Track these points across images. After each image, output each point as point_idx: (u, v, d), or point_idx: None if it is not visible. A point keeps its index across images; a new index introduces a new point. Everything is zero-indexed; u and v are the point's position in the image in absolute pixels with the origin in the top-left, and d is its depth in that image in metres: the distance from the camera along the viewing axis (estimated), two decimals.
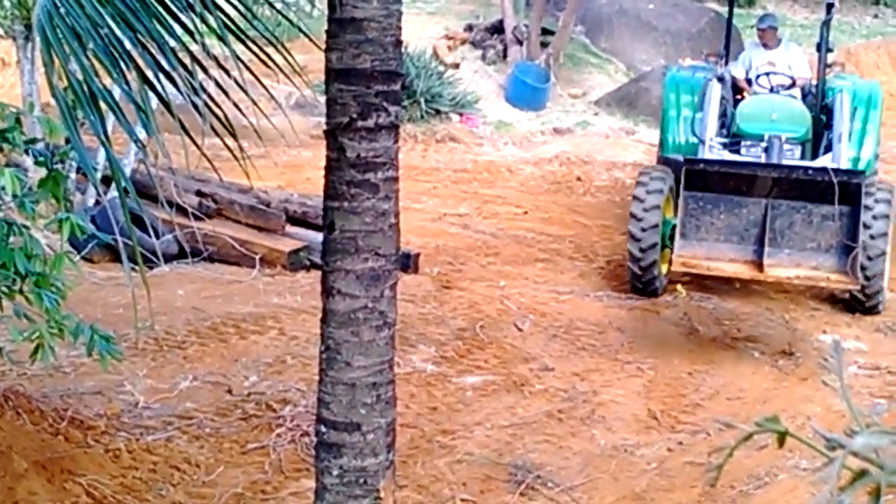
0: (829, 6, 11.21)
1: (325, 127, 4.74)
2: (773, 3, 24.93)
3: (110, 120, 4.39)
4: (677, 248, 9.55)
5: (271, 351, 8.87)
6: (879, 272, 9.86)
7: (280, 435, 7.44)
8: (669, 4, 21.60)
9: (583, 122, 18.39)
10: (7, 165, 5.44)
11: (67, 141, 6.23)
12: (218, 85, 4.36)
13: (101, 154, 9.51)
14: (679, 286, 10.42)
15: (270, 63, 4.53)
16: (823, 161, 10.20)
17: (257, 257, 10.94)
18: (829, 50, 11.33)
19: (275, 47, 4.51)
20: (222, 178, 6.03)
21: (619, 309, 10.34)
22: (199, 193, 11.43)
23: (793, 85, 10.85)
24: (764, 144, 10.23)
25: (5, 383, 7.40)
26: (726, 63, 11.51)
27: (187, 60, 4.07)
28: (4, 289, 5.40)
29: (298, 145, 14.37)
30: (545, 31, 19.76)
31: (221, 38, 4.08)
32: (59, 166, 5.53)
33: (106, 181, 10.57)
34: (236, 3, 4.47)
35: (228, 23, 4.27)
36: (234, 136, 4.29)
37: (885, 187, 10.05)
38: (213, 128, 4.11)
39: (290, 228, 11.56)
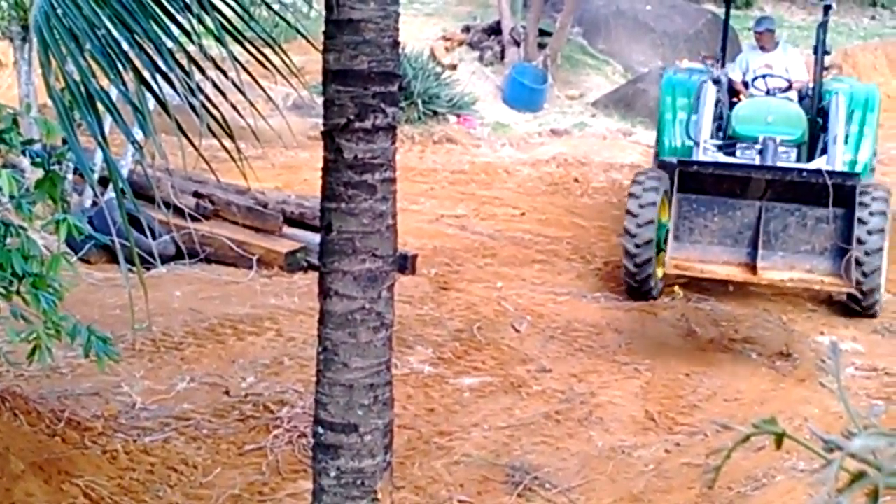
0: (826, 8, 11.15)
1: (322, 128, 4.74)
2: (770, 4, 24.95)
3: (107, 121, 4.39)
4: (671, 250, 9.50)
5: (269, 352, 8.86)
6: (876, 285, 9.83)
7: (277, 436, 7.44)
8: (667, 6, 21.60)
9: (580, 123, 18.40)
10: (4, 166, 5.43)
11: (64, 142, 6.23)
12: (215, 86, 4.35)
13: (99, 155, 9.53)
14: (676, 287, 10.42)
15: (268, 64, 4.53)
16: (818, 163, 10.17)
17: (254, 258, 10.94)
18: (827, 52, 11.30)
19: (272, 48, 4.51)
20: (219, 179, 6.04)
21: (617, 310, 10.34)
22: (196, 194, 11.42)
23: (789, 88, 10.81)
24: (758, 147, 10.19)
25: (2, 384, 7.40)
26: (723, 65, 11.48)
27: (184, 61, 4.06)
28: (1, 290, 5.39)
29: (296, 146, 14.36)
30: (542, 33, 19.76)
31: (219, 39, 4.08)
32: (56, 167, 5.53)
33: (103, 182, 10.58)
34: (233, 4, 4.47)
35: (226, 24, 4.27)
36: (231, 137, 4.29)
37: (881, 190, 10.03)
38: (210, 129, 4.11)
39: (287, 229, 11.55)
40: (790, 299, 10.62)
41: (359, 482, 4.79)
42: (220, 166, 4.79)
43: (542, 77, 19.03)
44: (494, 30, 20.13)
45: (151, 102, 4.17)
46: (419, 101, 17.33)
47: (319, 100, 4.82)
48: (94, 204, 11.09)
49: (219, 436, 7.42)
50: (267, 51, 4.49)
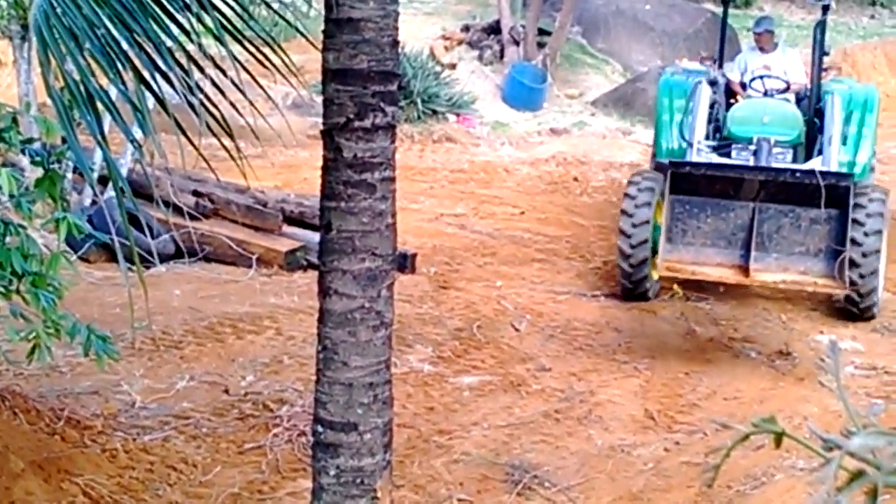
0: (825, 7, 11.06)
1: (321, 127, 4.74)
2: (769, 3, 24.95)
3: (107, 120, 4.39)
4: (663, 252, 9.43)
5: (268, 351, 8.87)
6: (873, 287, 9.79)
7: (277, 435, 7.44)
8: (666, 5, 21.60)
9: (579, 122, 18.39)
10: (3, 165, 5.44)
11: (64, 141, 6.23)
12: (215, 85, 4.36)
13: (98, 154, 9.52)
14: (675, 286, 10.42)
15: (267, 63, 4.53)
16: (813, 164, 10.10)
17: (254, 257, 10.94)
18: (826, 53, 11.23)
19: (271, 47, 4.51)
20: (219, 178, 6.04)
21: (616, 309, 10.34)
22: (195, 193, 11.42)
23: (787, 89, 10.74)
24: (753, 147, 10.14)
25: (2, 383, 7.40)
26: (720, 66, 11.43)
27: (184, 60, 4.06)
28: (1, 288, 5.39)
29: (295, 145, 14.35)
30: (542, 32, 19.76)
31: (218, 38, 4.08)
32: (55, 166, 5.52)
33: (102, 181, 10.58)
34: (233, 3, 4.47)
35: (225, 23, 4.27)
36: (230, 135, 4.29)
37: (879, 192, 10.00)
38: (209, 128, 4.11)
39: (286, 228, 11.55)
40: (790, 298, 10.61)
41: (358, 481, 4.79)
42: (220, 165, 4.80)
43: (542, 76, 19.03)
44: (494, 29, 20.13)
45: (151, 101, 4.17)
46: (418, 101, 17.32)
47: (319, 99, 4.83)
48: (94, 203, 11.09)
49: (218, 434, 7.43)
50: (266, 50, 4.49)
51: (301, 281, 10.54)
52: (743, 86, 10.96)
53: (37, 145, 5.72)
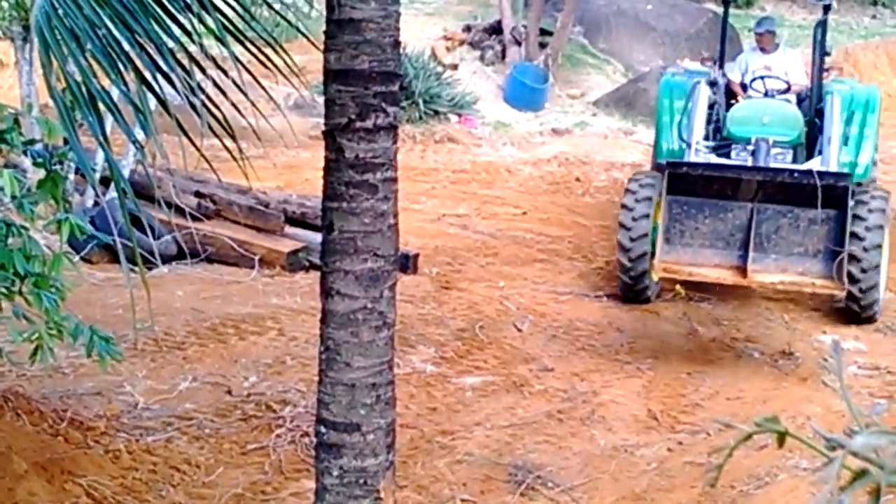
0: (826, 7, 10.98)
1: (323, 128, 4.74)
2: (771, 3, 24.94)
3: (109, 121, 4.39)
4: (660, 253, 9.37)
5: (271, 352, 8.87)
6: (874, 292, 9.74)
7: (280, 436, 7.44)
8: (668, 5, 21.60)
9: (581, 122, 18.39)
10: (6, 166, 5.44)
11: (66, 142, 6.23)
12: (216, 86, 4.36)
13: (100, 155, 9.53)
14: (678, 286, 10.41)
15: (269, 64, 4.53)
16: (812, 165, 10.04)
17: (256, 258, 10.94)
18: (827, 53, 11.16)
19: (273, 48, 4.51)
20: (221, 179, 6.02)
21: (619, 309, 10.33)
22: (197, 194, 11.42)
23: (788, 90, 10.71)
24: (751, 147, 10.10)
25: (5, 384, 7.40)
26: (721, 66, 11.37)
27: (185, 61, 4.07)
28: (4, 290, 5.40)
29: (297, 146, 14.36)
30: (543, 32, 19.76)
31: (220, 39, 4.08)
32: (57, 167, 5.53)
33: (104, 182, 10.59)
34: (234, 3, 4.47)
35: (227, 24, 4.27)
36: (232, 136, 4.29)
37: (880, 193, 9.98)
38: (211, 129, 4.11)
39: (288, 229, 11.56)
40: (792, 298, 10.60)
41: (361, 481, 4.79)
42: (222, 166, 4.80)
43: (543, 76, 19.03)
44: (495, 29, 20.13)
45: (152, 102, 4.18)
46: (420, 101, 17.32)
47: (320, 99, 4.82)
48: (96, 204, 11.09)
49: (221, 435, 7.43)
50: (268, 50, 4.49)
51: (303, 282, 10.54)
52: (744, 86, 10.93)
53: (39, 146, 5.72)
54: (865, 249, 9.48)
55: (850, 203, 9.26)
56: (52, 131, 5.11)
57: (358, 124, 4.60)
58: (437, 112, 17.58)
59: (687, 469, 7.42)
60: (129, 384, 7.99)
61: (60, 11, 3.97)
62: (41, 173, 5.40)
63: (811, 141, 10.55)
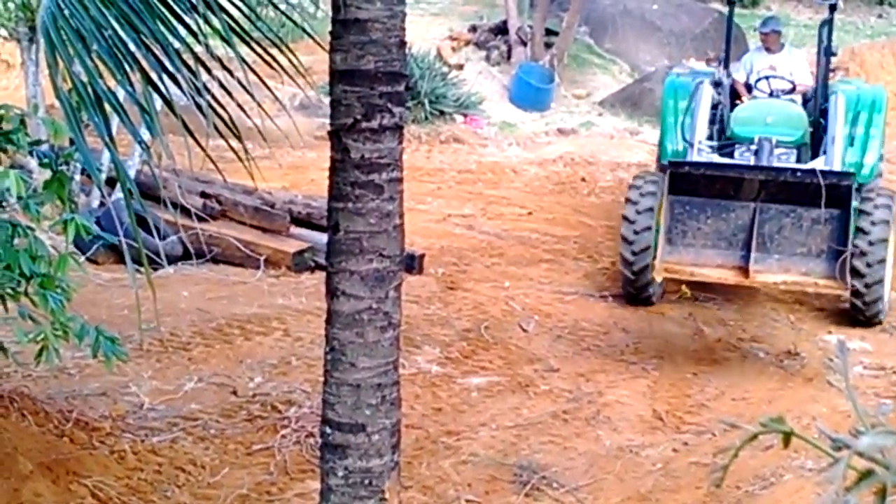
0: (832, 7, 10.92)
1: (329, 128, 4.74)
2: (777, 2, 24.91)
3: (114, 121, 4.40)
4: (662, 254, 9.34)
5: (276, 352, 8.87)
6: (879, 293, 9.67)
7: (285, 436, 7.44)
8: (673, 5, 21.58)
9: (587, 122, 18.38)
10: (12, 167, 5.45)
11: (72, 142, 6.23)
12: (222, 86, 4.36)
13: (106, 155, 9.54)
14: (683, 287, 10.40)
15: (274, 64, 4.53)
16: (815, 164, 9.98)
17: (262, 258, 10.95)
18: (833, 53, 11.08)
19: (279, 48, 4.51)
20: (226, 180, 6.05)
21: (624, 310, 10.33)
22: (203, 195, 11.43)
23: (793, 90, 10.68)
24: (754, 147, 10.06)
25: (10, 385, 7.41)
26: (726, 66, 11.32)
27: (191, 62, 4.07)
28: (9, 290, 5.40)
29: (303, 146, 14.36)
30: (549, 32, 19.75)
31: (225, 40, 4.08)
32: (63, 168, 5.54)
33: (110, 183, 10.59)
34: (240, 4, 4.47)
35: (232, 24, 4.27)
36: (238, 137, 4.29)
37: (885, 194, 9.94)
38: (217, 129, 4.12)
39: (294, 230, 11.56)
40: (798, 298, 10.59)
41: (366, 482, 4.79)
42: (227, 166, 4.80)
43: (549, 76, 19.02)
44: (501, 29, 20.13)
45: (158, 103, 4.18)
46: (426, 101, 17.33)
47: (326, 100, 4.82)
48: (102, 204, 11.11)
49: (227, 436, 7.43)
50: (274, 51, 4.49)
51: (309, 282, 10.55)
52: (749, 87, 10.89)
53: (45, 147, 5.73)
54: (870, 249, 9.44)
55: (854, 203, 9.23)
56: (58, 132, 5.11)
57: (364, 125, 4.60)
58: (442, 112, 17.58)
59: (692, 469, 7.42)
60: (135, 385, 7.99)
61: (66, 12, 3.97)
62: (47, 174, 5.41)
63: (816, 141, 10.50)
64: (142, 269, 4.17)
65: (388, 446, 4.83)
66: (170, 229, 10.49)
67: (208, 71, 4.25)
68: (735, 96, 10.87)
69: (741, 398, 8.66)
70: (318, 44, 4.79)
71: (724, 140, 10.44)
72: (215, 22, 4.11)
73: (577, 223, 13.09)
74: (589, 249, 12.10)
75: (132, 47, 4.06)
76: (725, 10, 12.63)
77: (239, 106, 4.30)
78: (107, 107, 4.05)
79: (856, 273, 9.35)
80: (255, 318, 9.49)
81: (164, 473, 6.90)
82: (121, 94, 4.18)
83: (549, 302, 10.47)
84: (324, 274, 4.93)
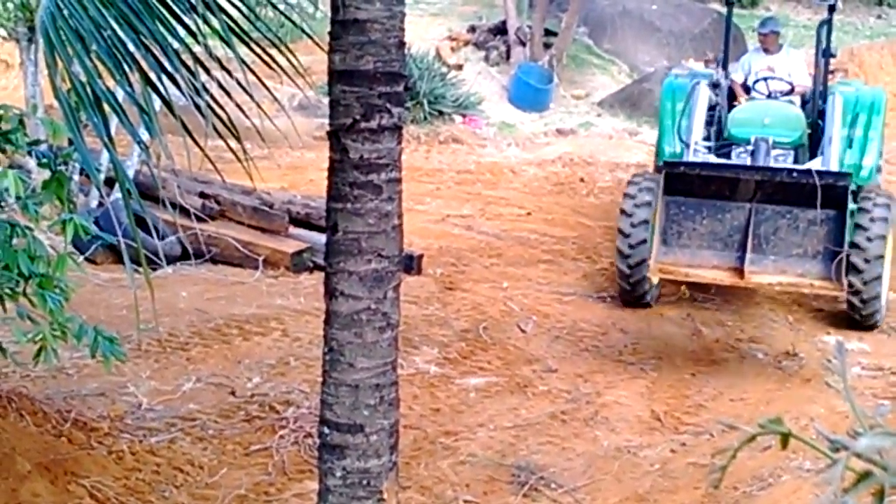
0: (831, 7, 10.87)
1: (328, 128, 4.74)
2: (776, 3, 24.91)
3: (113, 121, 4.39)
4: (657, 254, 9.31)
5: (274, 352, 8.87)
6: (876, 294, 9.64)
7: (283, 436, 7.44)
8: (672, 5, 21.59)
9: (586, 123, 18.39)
10: (10, 167, 5.44)
11: (70, 143, 6.23)
12: (221, 86, 4.36)
13: (105, 156, 9.51)
14: (683, 287, 10.40)
15: (273, 64, 4.53)
16: (812, 165, 9.93)
17: (260, 259, 10.95)
18: (833, 55, 11.02)
19: (278, 49, 4.51)
20: (225, 180, 6.04)
21: (622, 310, 10.33)
22: (202, 195, 11.43)
23: (791, 91, 10.67)
24: (751, 148, 10.01)
25: (9, 385, 7.41)
26: (724, 67, 11.28)
27: (190, 62, 4.07)
28: (8, 290, 5.40)
29: (301, 147, 14.36)
30: (548, 33, 19.75)
31: (224, 40, 4.08)
32: (62, 168, 5.53)
33: (109, 183, 10.59)
34: (239, 4, 4.47)
35: (231, 24, 4.27)
36: (237, 137, 4.29)
37: (883, 196, 9.92)
38: (215, 129, 4.11)
39: (293, 230, 11.56)
40: (796, 299, 10.59)
41: (364, 482, 4.79)
42: (226, 167, 4.80)
43: (548, 77, 19.03)
44: (500, 30, 20.13)
45: (157, 103, 4.18)
46: (425, 102, 17.33)
47: (325, 100, 4.83)
48: (101, 204, 11.10)
49: (225, 436, 7.43)
50: (272, 51, 4.49)
51: (307, 282, 10.55)
52: (747, 88, 10.86)
53: (43, 147, 5.73)
54: (868, 245, 9.40)
55: (853, 205, 9.21)
56: (56, 132, 5.11)
57: (362, 125, 4.60)
58: (441, 112, 17.58)
59: (690, 470, 7.42)
60: (133, 385, 7.99)
61: (66, 12, 3.97)
62: (46, 174, 5.41)
63: (814, 143, 10.47)
64: (140, 270, 4.17)
65: (387, 447, 4.83)
66: (168, 229, 10.49)
67: (207, 71, 4.25)
68: (733, 97, 10.85)
69: (739, 399, 8.66)
70: (317, 44, 4.79)
71: (722, 141, 10.41)
72: (214, 22, 4.11)
73: (576, 224, 13.09)
74: (588, 250, 12.10)
75: (131, 47, 4.06)
76: (724, 10, 12.60)
77: (238, 106, 4.30)
78: (106, 107, 4.05)
79: (854, 269, 9.33)
80: (253, 318, 9.49)
81: (163, 474, 6.90)
82: (120, 94, 4.18)
83: (547, 302, 10.47)
84: (322, 274, 4.93)
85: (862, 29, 23.88)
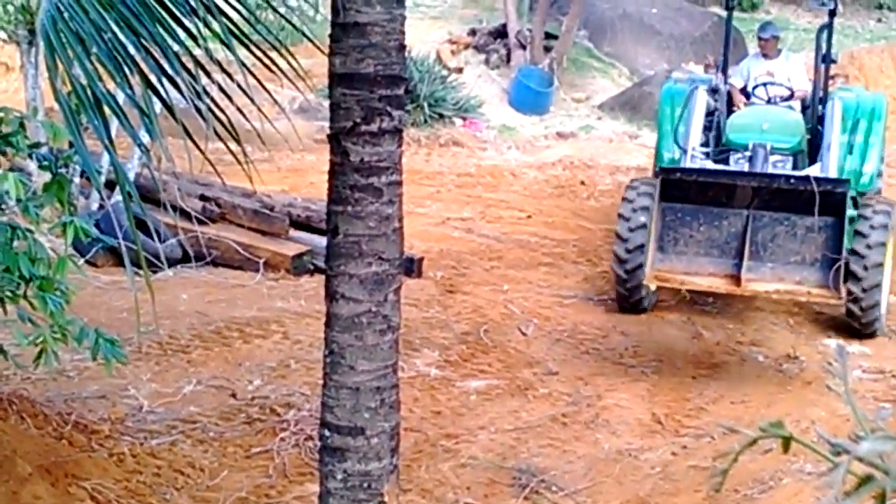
0: (832, 12, 10.77)
1: (328, 131, 4.74)
2: (776, 7, 24.92)
3: (114, 124, 4.40)
4: (653, 261, 9.24)
5: (275, 355, 8.87)
6: (875, 302, 9.56)
7: (284, 439, 7.44)
8: (672, 9, 21.60)
9: (586, 126, 18.39)
10: (11, 170, 5.44)
11: (71, 145, 6.24)
12: (221, 89, 4.36)
13: (105, 158, 9.52)
14: (683, 290, 10.39)
15: (274, 67, 4.53)
16: (810, 171, 9.80)
17: (261, 261, 10.94)
18: (833, 60, 10.93)
19: (278, 52, 4.51)
20: (226, 183, 6.03)
21: (623, 313, 10.32)
22: (202, 198, 11.43)
23: (791, 96, 10.61)
24: (749, 154, 9.95)
25: (9, 387, 7.40)
26: (724, 72, 11.20)
27: (191, 65, 4.07)
28: (9, 293, 5.40)
29: (302, 149, 14.35)
30: (548, 36, 19.76)
31: (225, 43, 4.08)
32: (62, 170, 5.54)
33: (110, 185, 10.59)
34: (240, 7, 4.47)
35: (232, 27, 4.27)
36: (237, 140, 4.29)
37: (884, 200, 9.88)
38: (216, 132, 4.11)
39: (293, 233, 11.56)
40: (797, 303, 10.57)
41: (365, 485, 4.79)
42: (227, 169, 4.80)
43: (548, 80, 19.03)
44: (500, 33, 20.13)
45: (158, 106, 4.18)
46: (425, 105, 17.34)
47: (325, 103, 4.83)
48: (101, 207, 11.10)
49: (225, 439, 7.43)
50: (273, 54, 4.49)
51: (308, 285, 10.55)
52: (746, 93, 10.81)
53: (44, 150, 5.73)
54: (868, 252, 9.36)
55: (852, 211, 9.16)
56: (57, 135, 5.11)
57: (363, 128, 4.60)
58: (441, 116, 17.59)
59: (691, 473, 7.42)
60: (134, 387, 7.99)
61: (66, 15, 3.97)
62: (46, 177, 5.41)
63: (814, 148, 10.38)
64: (141, 272, 4.17)
65: (387, 449, 4.83)
66: (169, 232, 10.49)
67: (208, 74, 4.25)
68: (732, 103, 10.78)
69: (740, 402, 8.65)
70: (318, 47, 4.79)
71: (721, 147, 10.35)
72: (215, 25, 4.11)
73: (576, 227, 13.09)
74: (588, 253, 12.10)
75: (132, 50, 4.06)
76: (724, 14, 12.57)
77: (238, 109, 4.30)
78: (106, 109, 4.05)
79: (853, 277, 9.28)
80: (254, 321, 9.49)
81: (163, 476, 6.89)
82: (120, 96, 4.18)
83: (547, 305, 10.47)
84: (323, 277, 4.93)
85: (862, 32, 23.89)
